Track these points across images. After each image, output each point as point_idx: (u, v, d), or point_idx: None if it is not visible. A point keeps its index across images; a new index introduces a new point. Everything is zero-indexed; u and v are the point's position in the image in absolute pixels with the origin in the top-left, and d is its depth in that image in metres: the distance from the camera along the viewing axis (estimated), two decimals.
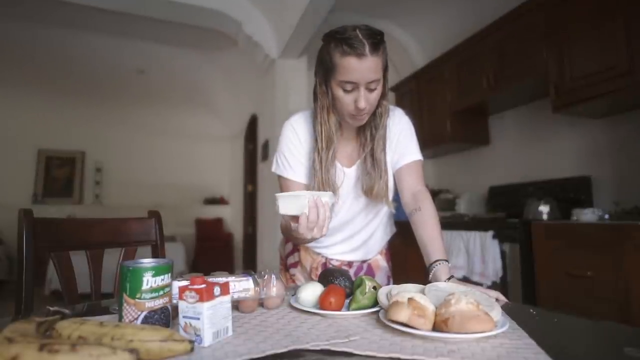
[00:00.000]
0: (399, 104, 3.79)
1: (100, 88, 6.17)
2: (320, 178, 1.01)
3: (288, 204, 0.81)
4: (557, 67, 2.32)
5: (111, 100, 6.56)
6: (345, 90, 0.93)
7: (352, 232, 1.14)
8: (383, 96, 1.01)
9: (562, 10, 2.29)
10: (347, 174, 1.08)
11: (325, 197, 0.82)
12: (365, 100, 0.92)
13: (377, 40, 0.89)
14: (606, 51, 2.06)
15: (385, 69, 0.96)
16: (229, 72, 5.60)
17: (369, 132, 1.05)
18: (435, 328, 0.60)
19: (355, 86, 0.91)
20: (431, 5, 3.49)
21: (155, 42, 4.82)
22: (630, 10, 1.97)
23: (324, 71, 0.97)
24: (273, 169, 1.13)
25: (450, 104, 3.23)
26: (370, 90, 0.93)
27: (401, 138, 1.10)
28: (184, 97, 6.71)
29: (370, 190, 1.04)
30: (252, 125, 5.57)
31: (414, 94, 3.70)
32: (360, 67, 0.88)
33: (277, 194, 0.82)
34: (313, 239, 0.85)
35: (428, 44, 3.88)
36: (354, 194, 1.09)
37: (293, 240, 1.04)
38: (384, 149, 1.06)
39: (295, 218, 0.82)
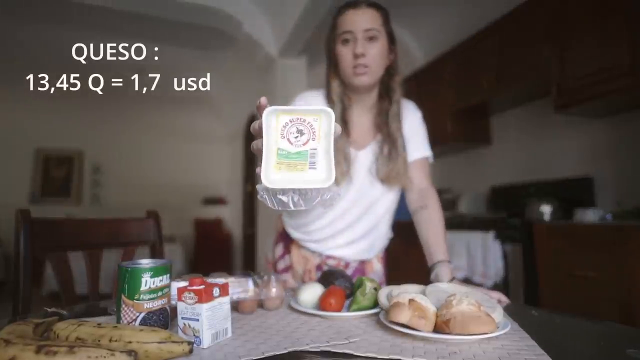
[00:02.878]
0: None
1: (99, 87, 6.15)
2: None
3: None
4: (558, 67, 2.31)
5: (109, 99, 6.55)
6: (344, 42, 0.98)
7: (354, 220, 1.09)
8: (393, 69, 1.04)
9: (563, 10, 2.29)
10: (358, 157, 1.04)
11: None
12: (363, 47, 0.95)
13: (376, 4, 0.98)
14: (608, 51, 2.06)
15: (389, 34, 1.01)
16: (229, 72, 5.60)
17: (384, 112, 1.04)
18: (436, 329, 0.60)
19: (353, 36, 0.96)
20: (431, 5, 3.48)
21: (155, 41, 4.82)
22: (631, 10, 1.96)
23: (329, 39, 1.03)
24: None
25: (451, 103, 3.22)
26: (369, 40, 0.96)
27: (413, 133, 1.10)
28: (183, 97, 6.70)
29: (387, 174, 1.02)
30: None
31: (414, 94, 3.69)
32: (355, 16, 0.96)
33: None
34: None
35: (429, 43, 3.88)
36: (367, 178, 1.06)
37: None
38: (400, 129, 1.04)
39: None
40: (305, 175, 0.51)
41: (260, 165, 0.50)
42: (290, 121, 0.50)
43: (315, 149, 0.51)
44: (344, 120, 1.02)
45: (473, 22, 3.08)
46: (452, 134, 3.23)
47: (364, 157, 1.05)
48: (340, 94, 1.03)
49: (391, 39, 1.02)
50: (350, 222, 1.09)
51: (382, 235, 1.15)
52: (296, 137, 0.50)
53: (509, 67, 2.68)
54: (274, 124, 0.50)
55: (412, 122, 1.10)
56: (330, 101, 1.03)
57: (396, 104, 1.03)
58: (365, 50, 0.95)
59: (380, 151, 1.03)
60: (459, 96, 3.16)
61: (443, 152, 3.68)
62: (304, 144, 0.51)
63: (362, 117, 1.07)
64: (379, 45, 0.97)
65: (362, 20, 0.95)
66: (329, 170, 0.51)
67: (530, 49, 2.52)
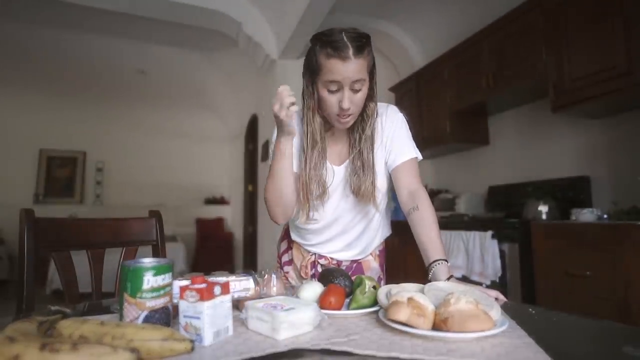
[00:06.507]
0: (399, 104, 3.80)
1: (101, 88, 6.18)
2: (306, 175, 1.02)
3: None
4: (556, 68, 2.32)
5: (112, 100, 6.58)
6: (330, 91, 0.95)
7: (340, 231, 1.14)
8: (370, 98, 1.02)
9: (561, 11, 2.29)
10: (336, 173, 1.08)
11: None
12: (349, 100, 0.94)
13: (361, 44, 0.92)
14: (605, 51, 2.06)
15: (371, 71, 0.98)
16: (230, 73, 5.60)
17: (357, 133, 1.06)
18: (434, 327, 0.60)
19: (340, 86, 0.93)
20: (431, 6, 3.49)
21: (156, 43, 4.83)
22: (629, 11, 1.97)
23: (311, 72, 0.99)
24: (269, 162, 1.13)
25: (450, 104, 3.23)
26: (355, 91, 0.95)
27: (396, 136, 1.10)
28: (184, 98, 6.72)
29: (357, 190, 1.05)
30: (252, 125, 5.57)
31: (414, 94, 3.70)
32: (344, 69, 0.91)
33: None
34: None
35: (428, 44, 3.89)
36: (343, 193, 1.09)
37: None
38: (372, 150, 1.06)
39: None
40: None
41: None
42: None
43: None
44: (315, 140, 1.04)
45: (472, 24, 3.09)
46: (451, 134, 3.23)
47: (341, 174, 1.08)
48: (321, 127, 1.04)
49: (372, 72, 0.99)
50: (334, 235, 1.15)
51: (370, 237, 1.19)
52: None
53: (507, 68, 2.68)
54: None
55: (392, 128, 1.10)
56: (313, 140, 1.03)
57: (369, 128, 1.05)
58: (352, 102, 0.94)
59: (353, 168, 1.06)
60: (457, 97, 3.16)
61: (442, 152, 3.68)
62: None
63: (340, 139, 1.10)
64: (364, 89, 0.96)
65: (350, 73, 0.91)
66: None
67: (528, 50, 2.52)
